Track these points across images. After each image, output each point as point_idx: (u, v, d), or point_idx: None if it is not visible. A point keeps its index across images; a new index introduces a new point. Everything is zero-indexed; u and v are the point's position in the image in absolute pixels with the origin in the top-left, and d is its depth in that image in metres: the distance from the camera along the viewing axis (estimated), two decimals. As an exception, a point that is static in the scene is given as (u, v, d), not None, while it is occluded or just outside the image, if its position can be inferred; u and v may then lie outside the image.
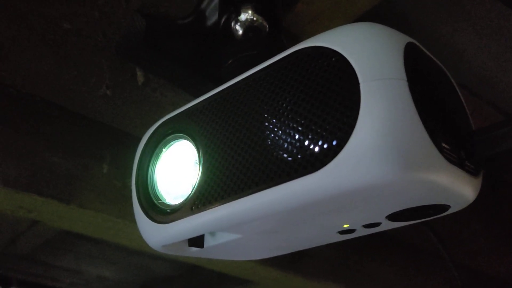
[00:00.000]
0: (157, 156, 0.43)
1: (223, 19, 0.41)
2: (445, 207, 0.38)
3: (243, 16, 0.40)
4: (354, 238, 0.84)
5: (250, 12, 0.41)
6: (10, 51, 0.51)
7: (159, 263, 1.23)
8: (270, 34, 0.42)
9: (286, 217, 0.36)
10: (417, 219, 0.41)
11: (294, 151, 0.32)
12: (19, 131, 0.62)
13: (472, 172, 0.36)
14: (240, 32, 0.41)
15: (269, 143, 0.34)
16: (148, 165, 0.43)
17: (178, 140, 0.42)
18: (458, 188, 0.35)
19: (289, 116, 0.33)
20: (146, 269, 1.32)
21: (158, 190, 0.43)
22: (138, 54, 0.50)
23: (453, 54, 0.60)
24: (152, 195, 0.42)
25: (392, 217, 0.39)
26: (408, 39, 0.34)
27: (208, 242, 0.43)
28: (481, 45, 0.59)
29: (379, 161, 0.29)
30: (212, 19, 0.47)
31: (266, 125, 0.35)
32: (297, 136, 0.33)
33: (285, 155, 0.33)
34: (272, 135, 0.34)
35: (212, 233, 0.43)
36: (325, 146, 0.31)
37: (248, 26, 0.41)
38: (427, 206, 0.37)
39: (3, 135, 0.62)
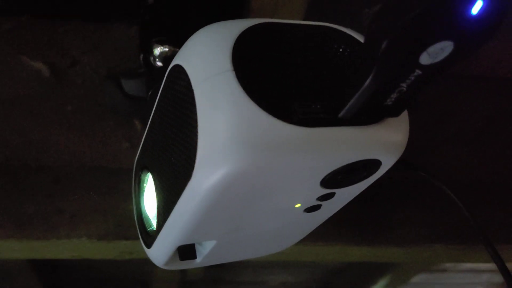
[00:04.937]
0: (142, 191, 0.50)
1: (141, 59, 0.47)
2: (375, 162, 0.37)
3: (156, 51, 0.45)
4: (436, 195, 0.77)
5: (160, 46, 0.45)
6: (46, 145, 0.64)
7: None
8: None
9: (217, 217, 0.39)
10: (362, 179, 0.39)
11: (186, 159, 0.36)
12: (98, 194, 0.76)
13: (367, 122, 0.34)
14: (161, 65, 0.46)
15: (173, 160, 0.38)
16: (140, 201, 0.51)
17: (147, 174, 0.49)
18: (357, 144, 0.34)
19: (175, 131, 0.37)
20: (313, 265, 1.37)
21: (150, 219, 0.49)
22: (125, 109, 0.59)
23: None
24: (146, 225, 0.49)
25: (329, 185, 0.38)
26: (252, 22, 0.34)
27: (200, 252, 0.48)
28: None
29: (225, 154, 0.31)
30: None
31: (170, 143, 0.39)
32: (183, 148, 0.36)
33: (184, 164, 0.37)
34: (175, 150, 0.38)
35: (200, 243, 0.48)
36: (191, 151, 0.34)
37: (164, 57, 0.45)
38: (354, 164, 0.36)
39: (88, 200, 0.76)
